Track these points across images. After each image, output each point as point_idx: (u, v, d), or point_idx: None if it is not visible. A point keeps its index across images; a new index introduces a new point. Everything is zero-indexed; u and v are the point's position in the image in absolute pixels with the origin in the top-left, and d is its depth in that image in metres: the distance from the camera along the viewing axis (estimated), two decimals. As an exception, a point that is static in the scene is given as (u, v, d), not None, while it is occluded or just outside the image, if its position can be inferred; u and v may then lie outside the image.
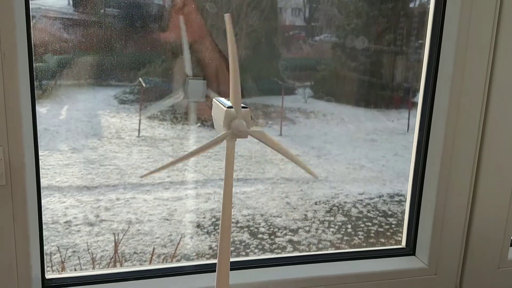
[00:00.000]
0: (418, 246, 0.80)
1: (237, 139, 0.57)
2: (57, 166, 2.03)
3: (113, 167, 2.07)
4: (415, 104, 2.42)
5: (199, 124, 2.10)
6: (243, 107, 0.56)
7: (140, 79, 1.93)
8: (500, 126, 0.73)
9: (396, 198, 2.06)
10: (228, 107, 0.55)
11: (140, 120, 2.11)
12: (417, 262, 0.79)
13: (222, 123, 0.57)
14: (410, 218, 0.81)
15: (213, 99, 0.61)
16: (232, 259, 0.67)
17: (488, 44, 0.69)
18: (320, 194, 2.03)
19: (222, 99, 0.60)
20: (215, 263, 0.61)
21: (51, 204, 1.94)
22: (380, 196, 2.03)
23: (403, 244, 0.82)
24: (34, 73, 0.62)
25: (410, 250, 0.81)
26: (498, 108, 0.73)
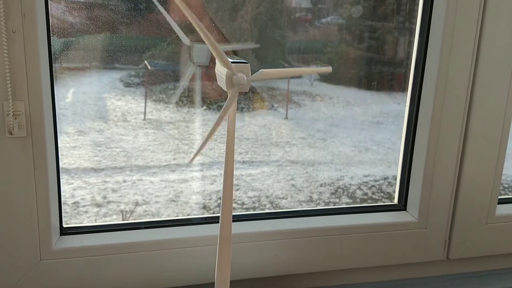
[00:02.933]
0: (409, 201, 0.88)
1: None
2: (64, 148, 2.11)
3: (120, 150, 2.15)
4: (421, 87, 2.46)
5: (204, 107, 2.17)
6: (242, 63, 0.64)
7: (145, 61, 2.00)
8: (488, 87, 0.81)
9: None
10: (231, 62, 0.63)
11: (145, 103, 2.19)
12: (408, 216, 0.87)
13: (225, 78, 0.64)
14: (402, 176, 0.89)
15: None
16: (234, 213, 0.75)
17: (477, 8, 0.77)
18: (325, 176, 2.10)
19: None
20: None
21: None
22: (385, 178, 2.09)
23: (396, 200, 0.90)
24: (51, 35, 0.71)
25: (402, 206, 0.89)
26: (487, 70, 0.81)
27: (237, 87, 0.62)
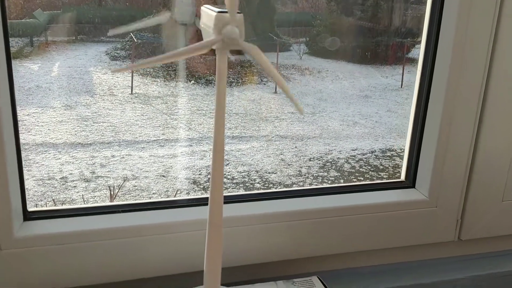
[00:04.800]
0: (418, 178, 0.74)
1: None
2: (50, 123, 1.97)
3: (107, 124, 2.00)
4: (409, 60, 2.33)
5: (192, 81, 2.03)
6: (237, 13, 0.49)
7: (131, 34, 1.84)
8: (509, 53, 0.67)
9: (388, 153, 2.02)
10: (219, 12, 0.48)
11: (132, 77, 2.03)
12: (417, 194, 0.73)
13: (212, 30, 0.49)
14: (410, 150, 0.75)
15: (202, 7, 0.54)
16: (224, 193, 0.61)
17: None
18: (314, 150, 1.98)
19: (211, 6, 0.52)
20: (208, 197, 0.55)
21: (46, 161, 1.89)
22: (372, 152, 1.98)
23: (402, 177, 0.77)
24: (11, 31, 0.55)
25: (409, 183, 0.76)
26: (509, 33, 0.66)
27: (226, 40, 0.47)
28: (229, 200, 0.66)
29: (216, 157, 0.52)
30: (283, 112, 2.15)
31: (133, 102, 2.11)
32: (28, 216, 0.61)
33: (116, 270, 0.62)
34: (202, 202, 0.66)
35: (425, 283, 0.74)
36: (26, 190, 0.66)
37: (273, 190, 0.75)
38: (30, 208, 0.62)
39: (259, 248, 0.67)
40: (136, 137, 2.10)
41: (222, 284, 0.61)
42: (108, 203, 0.74)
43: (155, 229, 0.61)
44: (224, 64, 0.49)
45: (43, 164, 1.90)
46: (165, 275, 0.64)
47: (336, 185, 0.75)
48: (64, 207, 0.64)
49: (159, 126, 2.09)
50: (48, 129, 2.07)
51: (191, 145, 2.06)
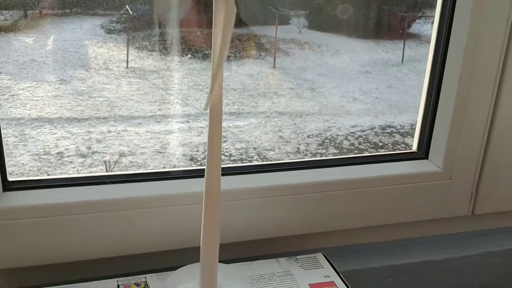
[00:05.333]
0: (432, 149, 0.68)
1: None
2: (46, 97, 1.90)
3: (103, 99, 1.93)
4: (410, 36, 2.25)
5: (189, 55, 1.95)
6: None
7: (127, 6, 1.76)
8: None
9: (388, 130, 1.96)
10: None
11: (128, 51, 1.96)
12: (430, 166, 0.67)
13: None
14: (423, 119, 0.69)
15: None
16: (222, 165, 0.54)
17: None
18: (313, 127, 1.92)
19: None
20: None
21: (42, 136, 1.82)
22: (372, 128, 1.92)
23: (414, 148, 0.70)
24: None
25: (422, 154, 0.69)
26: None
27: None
28: (227, 172, 0.60)
29: (213, 119, 0.45)
30: (282, 88, 2.08)
31: (129, 77, 2.04)
32: (8, 186, 0.55)
33: (105, 246, 0.56)
34: (199, 174, 0.59)
35: (435, 260, 0.68)
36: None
37: (276, 161, 0.68)
38: (12, 177, 0.55)
39: (260, 223, 0.61)
40: (132, 113, 2.03)
41: (220, 261, 0.55)
42: (96, 174, 0.68)
43: (147, 202, 0.55)
44: (220, 14, 0.42)
45: (38, 139, 1.84)
46: (158, 251, 0.58)
47: (343, 156, 0.69)
48: (48, 177, 0.58)
49: (156, 102, 2.02)
50: (44, 104, 2.00)
51: (188, 121, 2.00)
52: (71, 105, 1.93)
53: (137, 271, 0.59)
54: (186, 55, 1.99)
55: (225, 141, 1.94)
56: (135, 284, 0.56)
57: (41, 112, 1.87)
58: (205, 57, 2.03)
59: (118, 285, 0.56)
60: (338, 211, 0.65)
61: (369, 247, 0.71)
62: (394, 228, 0.69)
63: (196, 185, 0.60)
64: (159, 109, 1.93)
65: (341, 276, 0.60)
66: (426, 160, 0.68)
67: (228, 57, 2.02)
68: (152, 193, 0.58)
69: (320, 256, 0.63)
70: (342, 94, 2.18)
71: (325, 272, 0.60)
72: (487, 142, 0.67)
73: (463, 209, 0.69)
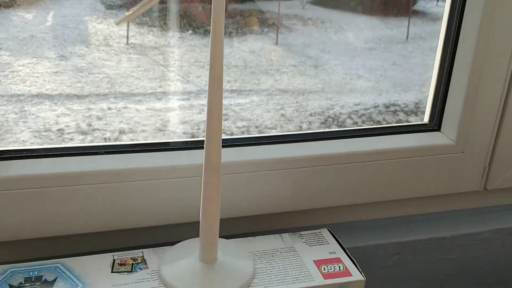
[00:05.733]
0: (444, 120, 0.64)
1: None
2: (46, 74, 1.86)
3: (103, 76, 1.89)
4: (415, 13, 2.19)
5: (190, 31, 1.90)
6: None
7: (127, -20, 1.71)
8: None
9: (392, 108, 1.91)
10: None
11: (128, 27, 1.91)
12: (443, 138, 0.63)
13: None
14: (436, 90, 0.65)
15: None
16: (223, 137, 0.50)
17: None
18: (315, 105, 1.87)
19: None
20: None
21: (42, 112, 1.78)
22: (375, 107, 1.88)
23: (426, 119, 0.66)
24: None
25: (434, 126, 0.65)
26: None
27: None
28: (228, 143, 0.56)
29: (213, 84, 0.41)
30: (284, 65, 2.03)
31: (129, 53, 1.99)
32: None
33: (99, 219, 0.52)
34: (198, 145, 0.56)
35: (444, 237, 0.64)
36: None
37: (279, 133, 0.65)
38: (2, 147, 0.52)
39: (262, 197, 0.57)
40: (133, 89, 1.99)
41: (220, 236, 0.51)
42: (90, 144, 0.64)
43: (144, 174, 0.51)
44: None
45: (39, 116, 1.80)
46: (156, 226, 0.55)
47: (349, 128, 0.66)
48: (39, 146, 0.54)
49: (156, 78, 1.98)
50: (44, 80, 1.96)
51: (188, 99, 1.96)
52: (71, 82, 1.89)
53: (134, 246, 0.56)
54: (187, 31, 1.94)
55: (226, 119, 1.90)
56: (131, 258, 0.53)
57: (41, 89, 1.84)
58: (207, 33, 1.98)
59: (114, 260, 0.53)
60: (344, 185, 0.62)
61: (376, 224, 0.67)
62: (402, 204, 0.66)
63: (196, 157, 0.57)
64: (160, 86, 1.88)
65: (347, 252, 0.56)
66: (438, 132, 0.65)
67: (230, 33, 1.97)
68: (149, 164, 0.55)
69: (325, 232, 0.59)
70: (346, 72, 2.13)
71: (331, 249, 0.57)
72: (502, 114, 0.63)
73: (475, 184, 0.65)
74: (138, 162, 0.55)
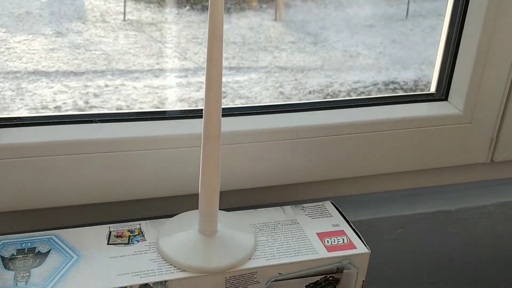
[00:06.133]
0: (452, 90, 0.61)
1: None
2: (42, 50, 1.81)
3: (100, 53, 1.85)
4: (415, -11, 2.13)
5: (188, 7, 1.86)
6: None
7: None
8: None
9: (391, 86, 1.88)
10: None
11: (125, 2, 1.86)
12: (450, 108, 0.61)
13: None
14: (444, 58, 0.62)
15: None
16: (223, 106, 0.47)
17: None
18: (314, 83, 1.84)
19: None
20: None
21: (39, 89, 1.75)
22: (374, 84, 1.84)
23: (432, 89, 0.64)
24: None
25: (441, 95, 0.63)
26: None
27: None
28: (228, 113, 0.54)
29: (213, 44, 0.38)
30: (283, 42, 1.98)
31: (126, 29, 1.94)
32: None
33: (93, 190, 0.49)
34: (197, 114, 0.53)
35: (449, 210, 0.62)
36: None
37: (281, 103, 0.62)
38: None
39: (263, 169, 0.55)
40: (130, 66, 1.94)
41: (221, 209, 0.49)
42: (84, 112, 0.61)
43: (140, 143, 0.48)
44: None
45: (35, 93, 1.77)
46: (153, 198, 0.52)
47: (353, 97, 0.63)
48: (30, 114, 0.51)
49: (153, 55, 1.93)
50: (40, 57, 1.91)
51: (186, 76, 1.91)
52: (67, 59, 1.85)
53: (130, 219, 0.53)
54: (185, 6, 1.89)
55: (224, 96, 1.87)
56: (128, 230, 0.51)
57: (37, 66, 1.80)
58: (204, 9, 1.93)
59: (110, 232, 0.50)
60: (347, 157, 0.59)
61: (380, 197, 0.65)
62: (406, 176, 0.63)
63: (195, 126, 0.54)
64: (157, 63, 1.85)
65: (351, 224, 0.54)
66: (446, 102, 0.62)
67: (228, 8, 1.92)
68: (146, 133, 0.52)
69: (328, 205, 0.57)
70: (345, 49, 2.09)
71: (334, 221, 0.55)
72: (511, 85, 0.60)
73: (482, 156, 0.63)
74: (135, 131, 0.52)
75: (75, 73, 1.97)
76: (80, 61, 1.98)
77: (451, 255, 0.69)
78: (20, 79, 1.81)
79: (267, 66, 1.94)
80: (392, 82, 1.92)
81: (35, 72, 1.91)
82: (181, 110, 0.56)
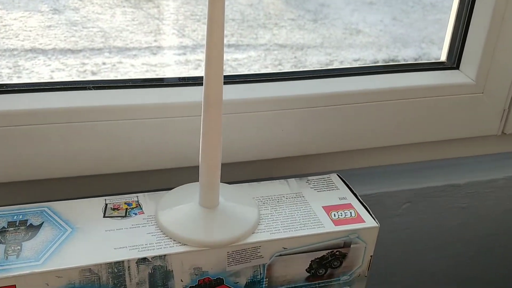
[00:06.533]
0: (464, 58, 0.58)
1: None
2: (39, 28, 1.77)
3: (97, 30, 1.80)
4: (416, -35, 2.08)
5: (187, -18, 1.80)
6: None
7: None
8: None
9: (391, 64, 1.85)
10: None
11: (123, -23, 1.81)
12: (462, 77, 0.57)
13: None
14: (455, 25, 0.58)
15: None
16: (225, 73, 0.44)
17: None
18: (314, 61, 1.80)
19: None
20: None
21: (36, 67, 1.71)
22: (375, 62, 1.81)
23: (443, 58, 0.60)
24: None
25: (452, 64, 0.59)
26: None
27: None
28: (230, 80, 0.50)
29: (214, 2, 0.34)
30: (283, 19, 1.94)
31: (123, 6, 1.90)
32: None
33: (88, 162, 0.45)
34: (197, 81, 0.49)
35: (457, 184, 0.58)
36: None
37: (286, 70, 0.58)
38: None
39: (266, 140, 0.51)
40: (127, 44, 1.90)
41: (223, 181, 0.46)
42: (77, 79, 0.58)
43: (137, 112, 0.45)
44: None
45: (33, 71, 1.72)
46: (150, 170, 0.49)
47: (362, 65, 0.59)
48: (19, 81, 0.48)
49: (151, 32, 1.89)
50: (37, 34, 1.86)
51: (184, 53, 1.87)
52: (65, 36, 1.80)
53: (127, 192, 0.50)
54: (183, -19, 1.84)
55: (223, 75, 1.83)
56: (125, 203, 0.47)
57: (34, 43, 1.75)
58: (203, -15, 1.87)
59: (106, 204, 0.47)
60: (354, 128, 0.56)
61: (387, 170, 0.62)
62: (414, 149, 0.60)
63: (194, 94, 0.50)
64: (155, 40, 1.80)
65: (359, 198, 0.51)
66: (457, 70, 0.58)
67: (227, -16, 1.87)
68: (143, 101, 0.49)
69: (334, 177, 0.54)
70: (345, 26, 2.05)
71: (341, 194, 0.52)
72: (526, 51, 0.56)
73: (493, 128, 0.60)
74: (131, 99, 0.49)
75: (72, 51, 1.91)
76: (77, 38, 1.93)
77: (458, 230, 0.67)
78: (17, 57, 1.76)
79: (266, 44, 1.89)
80: (393, 60, 1.88)
81: (32, 50, 1.86)
82: (179, 78, 0.52)
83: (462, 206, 0.64)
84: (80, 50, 1.81)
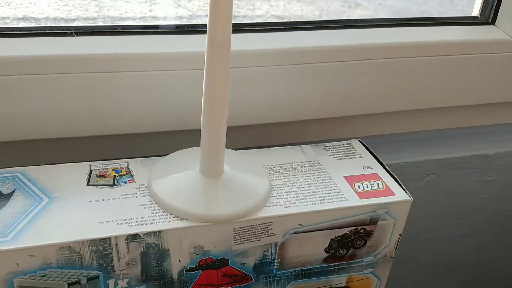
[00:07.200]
0: (501, 12, 0.49)
1: None
2: (30, -4, 1.66)
3: (91, -2, 1.69)
4: None
5: (183, -49, 1.69)
6: None
7: None
8: None
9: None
10: None
11: None
12: (498, 32, 0.48)
13: None
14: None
15: None
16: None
17: None
18: (312, 34, 1.71)
19: None
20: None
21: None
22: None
23: (475, 12, 0.51)
24: None
25: (487, 18, 0.50)
26: None
27: None
28: (236, 28, 0.41)
29: None
30: (281, -10, 1.80)
31: (118, -26, 1.76)
32: None
33: (69, 121, 0.35)
34: (196, 29, 0.40)
35: (486, 154, 0.49)
36: None
37: (302, 20, 0.49)
38: None
39: (278, 100, 0.40)
40: (122, 14, 1.77)
41: (228, 147, 0.37)
42: (58, 24, 0.49)
43: (127, 63, 0.33)
44: None
45: (23, 42, 1.60)
46: (143, 133, 0.39)
47: (384, 17, 0.50)
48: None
49: (146, 2, 1.76)
50: (29, 3, 1.74)
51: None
52: (58, 5, 1.69)
53: (116, 158, 0.41)
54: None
55: None
56: (113, 170, 0.38)
57: (27, 12, 1.64)
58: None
59: (91, 170, 0.38)
60: (376, 88, 0.47)
61: (408, 138, 0.53)
62: (440, 114, 0.51)
63: (196, 43, 0.41)
64: (150, 10, 1.69)
65: (386, 167, 0.42)
66: (492, 26, 0.50)
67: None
68: (134, 50, 0.39)
69: (356, 143, 0.45)
70: (344, -1, 1.93)
71: (365, 163, 0.43)
72: None
73: (530, 92, 0.51)
74: (120, 47, 0.39)
75: (65, 20, 1.79)
76: (70, 7, 1.80)
77: (482, 205, 0.59)
78: (9, 25, 1.64)
79: (263, 15, 1.78)
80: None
81: (25, 19, 1.73)
82: (177, 25, 0.43)
83: (489, 179, 0.56)
84: (74, 20, 1.70)
